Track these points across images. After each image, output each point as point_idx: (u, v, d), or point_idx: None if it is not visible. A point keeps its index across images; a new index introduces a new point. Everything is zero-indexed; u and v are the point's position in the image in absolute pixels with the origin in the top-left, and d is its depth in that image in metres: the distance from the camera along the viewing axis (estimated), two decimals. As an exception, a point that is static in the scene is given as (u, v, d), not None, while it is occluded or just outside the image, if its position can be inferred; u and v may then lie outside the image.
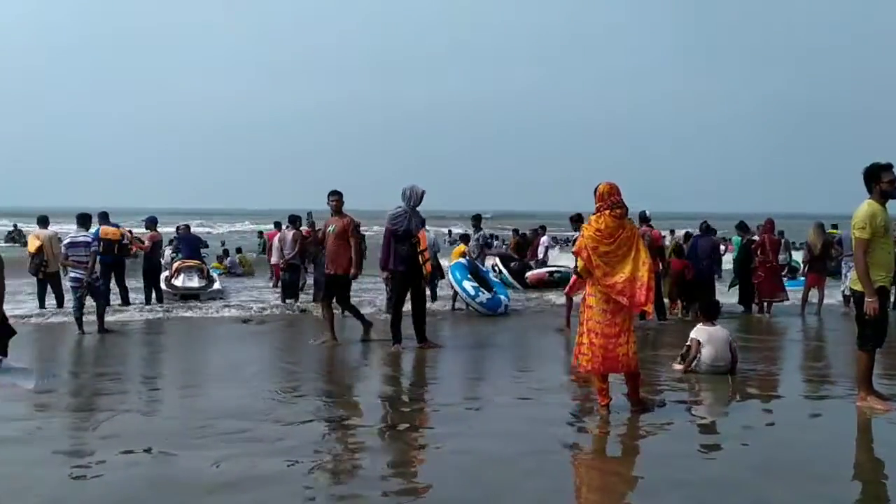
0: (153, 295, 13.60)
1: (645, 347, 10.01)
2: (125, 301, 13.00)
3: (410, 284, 8.89)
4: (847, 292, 5.92)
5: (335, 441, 5.24)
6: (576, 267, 6.24)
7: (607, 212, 5.60)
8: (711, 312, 7.68)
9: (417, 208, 8.86)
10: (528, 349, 9.71)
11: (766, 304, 12.73)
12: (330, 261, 9.48)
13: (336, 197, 9.48)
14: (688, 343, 7.53)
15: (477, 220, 15.22)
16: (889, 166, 5.77)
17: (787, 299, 12.80)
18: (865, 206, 5.76)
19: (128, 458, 4.77)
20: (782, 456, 4.87)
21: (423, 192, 8.80)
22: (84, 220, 10.85)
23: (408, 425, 5.64)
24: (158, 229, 14.48)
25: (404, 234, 8.76)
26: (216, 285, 15.10)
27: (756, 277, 12.83)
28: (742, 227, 13.90)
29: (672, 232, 14.32)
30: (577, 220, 11.27)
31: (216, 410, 5.97)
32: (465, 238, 15.15)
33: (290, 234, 13.66)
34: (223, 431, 5.31)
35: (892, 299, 6.16)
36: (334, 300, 9.67)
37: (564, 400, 6.45)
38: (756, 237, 13.30)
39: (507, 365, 8.37)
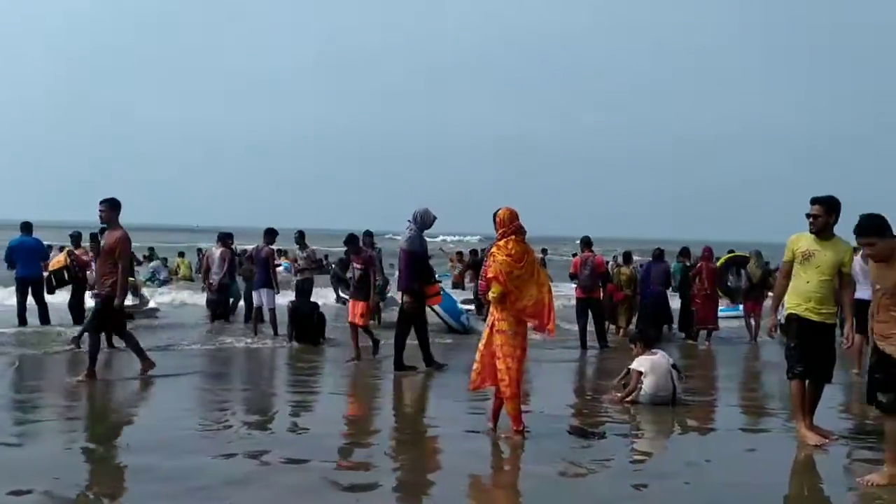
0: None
1: (589, 376, 9.93)
2: (46, 320, 12.28)
3: (421, 307, 8.96)
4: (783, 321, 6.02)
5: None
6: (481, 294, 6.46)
7: (513, 237, 5.74)
8: (650, 340, 7.54)
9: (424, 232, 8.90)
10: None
11: (702, 331, 12.78)
12: (98, 283, 8.23)
13: (104, 206, 7.97)
14: (626, 370, 7.39)
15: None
16: (814, 200, 5.76)
17: (717, 329, 12.86)
18: (795, 234, 5.90)
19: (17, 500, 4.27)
20: (726, 498, 4.68)
21: (435, 218, 8.87)
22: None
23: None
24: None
25: (423, 258, 8.85)
26: (151, 303, 14.56)
27: (693, 304, 12.93)
28: (683, 253, 14.03)
29: (627, 258, 14.54)
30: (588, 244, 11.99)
31: None
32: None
33: (217, 252, 13.14)
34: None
35: (843, 332, 6.07)
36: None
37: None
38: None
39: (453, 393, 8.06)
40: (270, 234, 12.34)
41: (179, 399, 7.46)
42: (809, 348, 5.77)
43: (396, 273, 9.78)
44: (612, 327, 13.17)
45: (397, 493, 4.65)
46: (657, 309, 12.67)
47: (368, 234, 11.68)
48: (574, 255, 13.75)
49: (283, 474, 4.88)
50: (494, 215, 5.89)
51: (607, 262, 14.55)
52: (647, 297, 12.82)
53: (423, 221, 8.81)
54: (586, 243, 12.20)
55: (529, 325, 5.81)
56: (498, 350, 5.71)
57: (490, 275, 5.75)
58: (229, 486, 4.54)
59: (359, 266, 9.73)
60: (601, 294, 12.10)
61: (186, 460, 5.05)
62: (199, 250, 27.83)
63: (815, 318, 5.73)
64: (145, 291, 15.49)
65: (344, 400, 7.76)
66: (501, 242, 5.77)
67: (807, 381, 5.82)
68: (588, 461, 5.27)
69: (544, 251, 27.67)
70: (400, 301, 9.20)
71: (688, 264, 13.69)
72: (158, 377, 8.20)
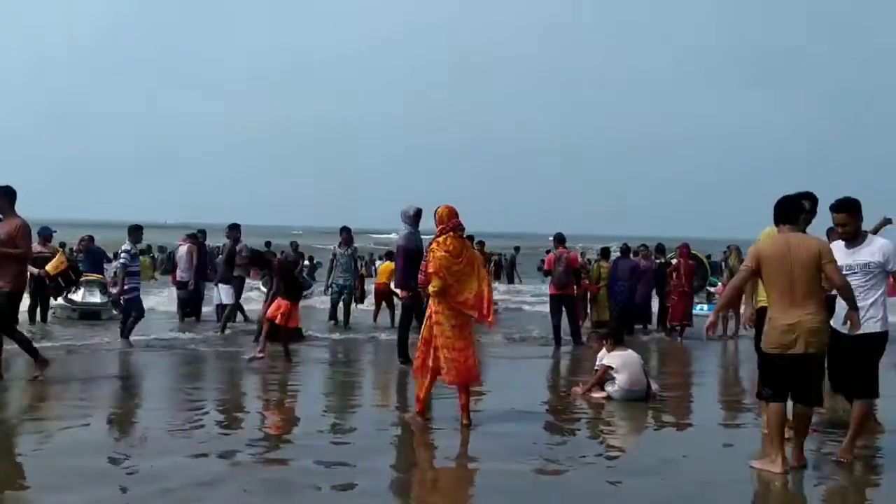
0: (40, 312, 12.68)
1: (563, 373, 9.96)
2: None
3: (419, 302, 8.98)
4: None
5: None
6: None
7: (451, 234, 6.02)
8: (620, 336, 7.57)
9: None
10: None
11: (677, 327, 12.89)
12: None
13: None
14: (596, 367, 7.42)
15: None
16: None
17: (691, 325, 12.99)
18: (763, 232, 5.91)
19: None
20: (702, 494, 4.70)
21: (420, 212, 8.99)
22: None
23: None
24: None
25: (417, 254, 8.86)
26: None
27: (669, 301, 13.05)
28: (659, 250, 14.17)
29: (605, 253, 14.68)
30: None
31: None
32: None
33: (184, 248, 12.96)
34: None
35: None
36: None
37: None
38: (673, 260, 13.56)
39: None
40: (235, 229, 12.30)
41: (148, 399, 7.34)
42: None
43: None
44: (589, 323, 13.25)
45: (374, 492, 4.60)
46: (625, 305, 12.75)
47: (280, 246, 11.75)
48: (548, 251, 13.81)
49: (258, 474, 4.81)
50: (434, 213, 6.19)
51: (586, 259, 14.67)
52: (615, 293, 12.92)
53: (412, 218, 9.03)
54: (559, 240, 12.27)
55: (474, 315, 6.04)
56: (435, 341, 5.96)
57: (431, 269, 5.97)
58: (202, 487, 4.46)
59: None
60: (574, 290, 12.17)
61: (158, 461, 4.95)
62: (161, 248, 27.21)
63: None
64: None
65: (320, 398, 7.68)
66: (440, 238, 6.03)
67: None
68: (564, 458, 5.27)
69: (517, 249, 28.63)
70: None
71: (663, 261, 13.82)
72: (122, 378, 8.06)
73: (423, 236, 9.06)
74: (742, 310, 6.25)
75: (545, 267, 12.51)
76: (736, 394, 8.40)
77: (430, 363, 5.99)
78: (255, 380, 8.37)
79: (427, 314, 6.11)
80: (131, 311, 10.34)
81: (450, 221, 6.07)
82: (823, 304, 4.87)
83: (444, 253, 5.94)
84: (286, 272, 9.81)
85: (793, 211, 5.02)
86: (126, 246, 10.44)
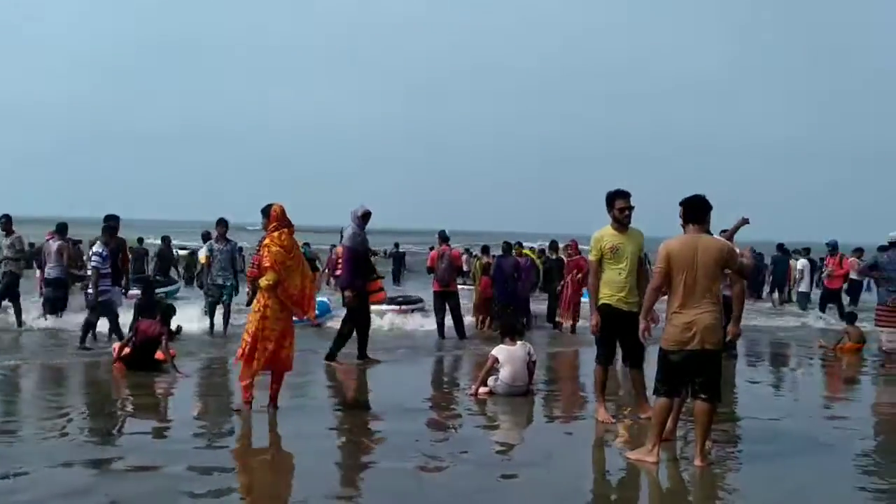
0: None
1: (447, 369, 10.04)
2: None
3: (365, 303, 9.17)
4: None
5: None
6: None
7: (284, 230, 6.30)
8: (512, 331, 7.70)
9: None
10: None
11: (561, 321, 13.27)
12: None
13: None
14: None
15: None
16: (624, 194, 6.14)
17: (578, 320, 13.35)
18: (597, 232, 6.25)
19: None
20: (584, 485, 4.84)
21: (369, 213, 9.09)
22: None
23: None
24: None
25: (364, 254, 9.13)
26: None
27: (561, 296, 13.44)
28: (552, 247, 14.55)
29: (485, 249, 14.86)
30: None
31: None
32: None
33: (54, 245, 12.12)
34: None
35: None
36: None
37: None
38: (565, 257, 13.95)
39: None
40: (62, 229, 11.82)
41: (9, 405, 6.82)
42: (620, 336, 6.12)
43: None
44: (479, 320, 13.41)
45: (252, 498, 4.45)
46: (508, 301, 12.93)
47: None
48: (431, 248, 13.91)
49: (129, 482, 4.56)
50: (268, 210, 6.38)
51: (471, 256, 14.82)
52: (499, 290, 13.10)
53: (361, 219, 9.03)
54: (443, 238, 12.40)
55: (297, 310, 6.38)
56: (258, 332, 6.17)
57: (266, 264, 6.24)
58: (64, 499, 4.17)
59: None
60: (457, 286, 12.30)
61: (15, 471, 4.59)
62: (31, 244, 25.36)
63: (624, 307, 6.06)
64: None
65: (192, 402, 7.36)
66: (275, 234, 6.28)
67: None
68: (446, 454, 5.28)
69: (396, 245, 28.82)
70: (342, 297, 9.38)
71: (554, 258, 14.19)
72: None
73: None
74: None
75: (428, 264, 12.58)
76: (614, 388, 8.69)
77: (258, 354, 6.16)
78: (124, 384, 7.90)
79: (255, 308, 6.32)
80: (101, 316, 9.91)
81: (283, 219, 6.35)
82: (720, 302, 5.06)
83: (278, 248, 6.20)
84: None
85: (701, 211, 5.18)
86: (97, 248, 9.92)
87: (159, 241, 19.84)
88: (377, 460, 5.30)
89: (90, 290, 9.78)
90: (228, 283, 11.39)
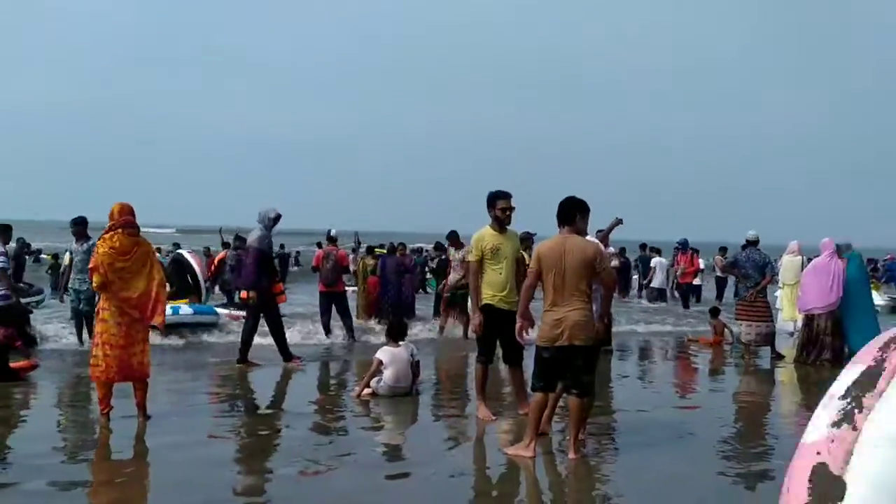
0: None
1: (333, 371, 9.91)
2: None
3: (272, 304, 9.18)
4: None
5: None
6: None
7: (120, 230, 6.02)
8: (396, 333, 7.72)
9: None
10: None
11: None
12: None
13: None
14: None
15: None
16: (505, 195, 6.31)
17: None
18: (476, 233, 6.35)
19: None
20: (466, 482, 4.91)
21: (279, 216, 9.19)
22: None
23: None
24: None
25: (270, 256, 9.28)
26: None
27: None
28: (437, 248, 14.70)
29: (370, 250, 14.82)
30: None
31: None
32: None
33: None
34: None
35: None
36: None
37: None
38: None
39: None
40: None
41: None
42: (500, 335, 6.26)
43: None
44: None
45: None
46: (393, 301, 13.00)
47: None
48: (319, 244, 13.76)
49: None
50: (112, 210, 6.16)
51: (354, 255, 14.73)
52: (385, 290, 13.15)
53: (272, 220, 9.13)
54: (330, 238, 12.30)
55: (135, 315, 6.01)
56: (97, 337, 5.98)
57: (90, 266, 6.07)
58: None
59: None
60: (344, 287, 12.22)
61: None
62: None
63: (505, 307, 6.22)
64: None
65: (55, 413, 6.91)
66: (107, 235, 6.03)
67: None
68: (327, 458, 5.23)
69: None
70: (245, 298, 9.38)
71: (444, 257, 14.33)
72: None
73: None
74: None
75: (314, 264, 12.43)
76: (497, 386, 8.86)
77: (99, 360, 5.93)
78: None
79: (96, 311, 6.18)
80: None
81: (120, 218, 6.06)
82: (590, 300, 5.25)
83: (107, 250, 5.95)
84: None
85: (570, 213, 5.34)
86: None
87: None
88: (258, 467, 5.18)
89: None
90: (85, 287, 9.93)
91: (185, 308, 11.75)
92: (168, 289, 7.88)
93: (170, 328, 10.44)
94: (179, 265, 14.12)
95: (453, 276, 12.32)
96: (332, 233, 12.63)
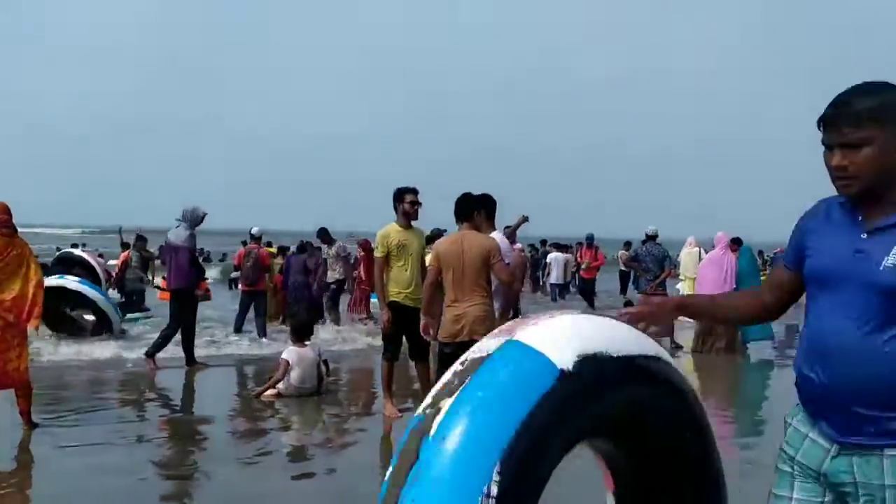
0: None
1: (247, 372, 9.66)
2: None
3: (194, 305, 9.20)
4: None
5: None
6: None
7: None
8: (302, 333, 7.62)
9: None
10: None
11: (359, 318, 13.35)
12: None
13: None
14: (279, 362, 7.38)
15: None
16: (413, 189, 6.36)
17: (371, 317, 13.50)
18: (382, 229, 6.35)
19: None
20: (372, 480, 4.88)
21: (205, 215, 9.14)
22: None
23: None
24: None
25: (194, 255, 9.27)
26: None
27: (360, 290, 13.57)
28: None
29: (282, 251, 14.64)
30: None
31: None
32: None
33: None
34: None
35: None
36: None
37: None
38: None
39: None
40: None
41: None
42: (406, 331, 6.25)
43: None
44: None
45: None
46: (299, 300, 12.87)
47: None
48: (244, 242, 13.55)
49: None
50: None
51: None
52: (290, 289, 12.98)
53: (193, 219, 9.02)
54: (254, 237, 12.30)
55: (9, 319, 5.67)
56: None
57: None
58: None
59: None
60: (265, 286, 12.06)
61: None
62: None
63: (410, 304, 6.22)
64: None
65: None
66: None
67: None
68: (230, 460, 5.13)
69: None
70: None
71: (362, 254, 14.25)
72: None
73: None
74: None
75: (235, 262, 12.28)
76: (404, 383, 8.88)
77: None
78: None
79: None
80: None
81: None
82: (490, 295, 5.29)
83: None
84: None
85: (467, 209, 5.37)
86: None
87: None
88: (156, 472, 5.00)
89: None
90: None
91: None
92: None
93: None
94: (69, 263, 13.67)
95: (331, 274, 12.64)
96: (255, 231, 12.57)
